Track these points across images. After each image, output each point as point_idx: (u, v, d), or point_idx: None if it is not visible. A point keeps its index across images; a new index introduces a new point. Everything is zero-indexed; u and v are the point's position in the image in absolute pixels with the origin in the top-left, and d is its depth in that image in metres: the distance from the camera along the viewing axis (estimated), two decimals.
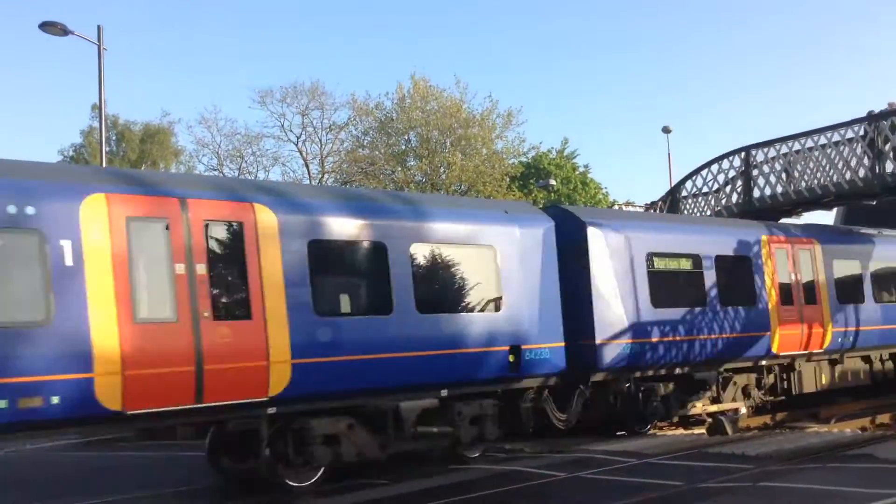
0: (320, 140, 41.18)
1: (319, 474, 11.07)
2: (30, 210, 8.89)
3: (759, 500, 9.44)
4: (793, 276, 17.48)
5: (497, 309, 12.73)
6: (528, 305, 12.96)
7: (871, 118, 19.35)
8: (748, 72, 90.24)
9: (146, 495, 11.07)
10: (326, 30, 72.00)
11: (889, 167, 18.96)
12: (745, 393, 17.01)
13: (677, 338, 15.10)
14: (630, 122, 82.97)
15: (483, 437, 12.65)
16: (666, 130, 39.38)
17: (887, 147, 18.93)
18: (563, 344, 13.30)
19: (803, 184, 20.48)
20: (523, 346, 12.76)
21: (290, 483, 10.85)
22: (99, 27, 21.99)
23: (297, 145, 41.22)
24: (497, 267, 12.76)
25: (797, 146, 20.72)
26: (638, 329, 14.47)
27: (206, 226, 10.07)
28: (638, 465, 11.87)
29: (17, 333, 8.64)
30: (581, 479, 11.06)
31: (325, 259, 11.14)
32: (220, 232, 10.24)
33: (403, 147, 39.08)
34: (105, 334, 9.09)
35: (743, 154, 21.92)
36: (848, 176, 19.57)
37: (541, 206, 25.35)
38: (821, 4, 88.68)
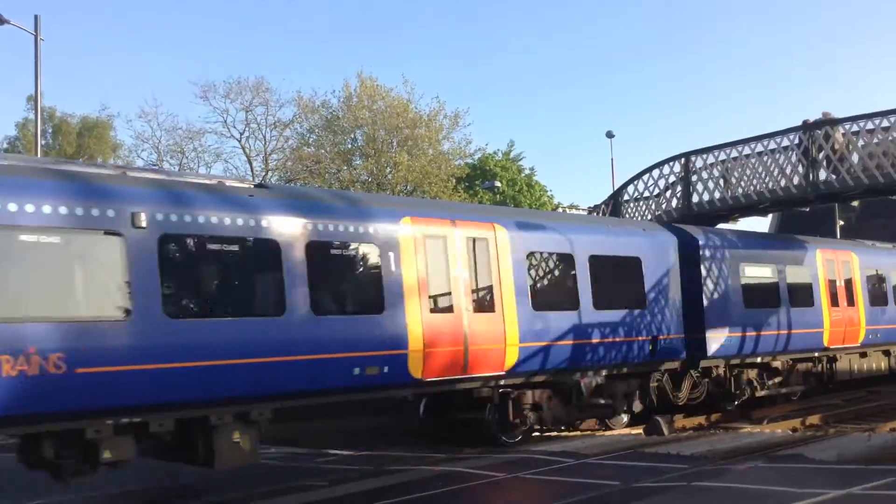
0: (264, 137, 40.70)
1: (523, 433, 14.11)
2: (371, 230, 11.86)
3: (692, 499, 9.62)
4: (838, 283, 20.89)
5: (643, 306, 15.73)
6: (661, 304, 16.09)
7: (806, 127, 19.79)
8: (693, 78, 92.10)
9: (86, 497, 10.75)
10: (272, 26, 71.25)
11: (822, 175, 19.48)
12: (805, 379, 20.09)
13: (761, 332, 18.20)
14: (574, 127, 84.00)
15: (630, 409, 15.83)
16: (609, 135, 40.00)
17: (821, 156, 19.41)
18: (683, 336, 16.44)
19: (740, 190, 20.90)
20: (659, 337, 15.86)
21: (505, 438, 13.79)
22: (36, 17, 21.68)
23: (240, 142, 40.73)
24: (642, 273, 15.85)
25: (735, 153, 21.14)
26: (734, 324, 17.58)
27: (467, 241, 13.05)
28: (576, 465, 11.99)
29: (365, 320, 11.63)
30: (521, 479, 11.13)
31: (536, 265, 14.32)
32: (476, 245, 13.22)
33: (349, 146, 38.89)
34: (414, 321, 12.03)
35: (683, 160, 22.28)
36: (783, 183, 20.05)
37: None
38: (762, 13, 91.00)
